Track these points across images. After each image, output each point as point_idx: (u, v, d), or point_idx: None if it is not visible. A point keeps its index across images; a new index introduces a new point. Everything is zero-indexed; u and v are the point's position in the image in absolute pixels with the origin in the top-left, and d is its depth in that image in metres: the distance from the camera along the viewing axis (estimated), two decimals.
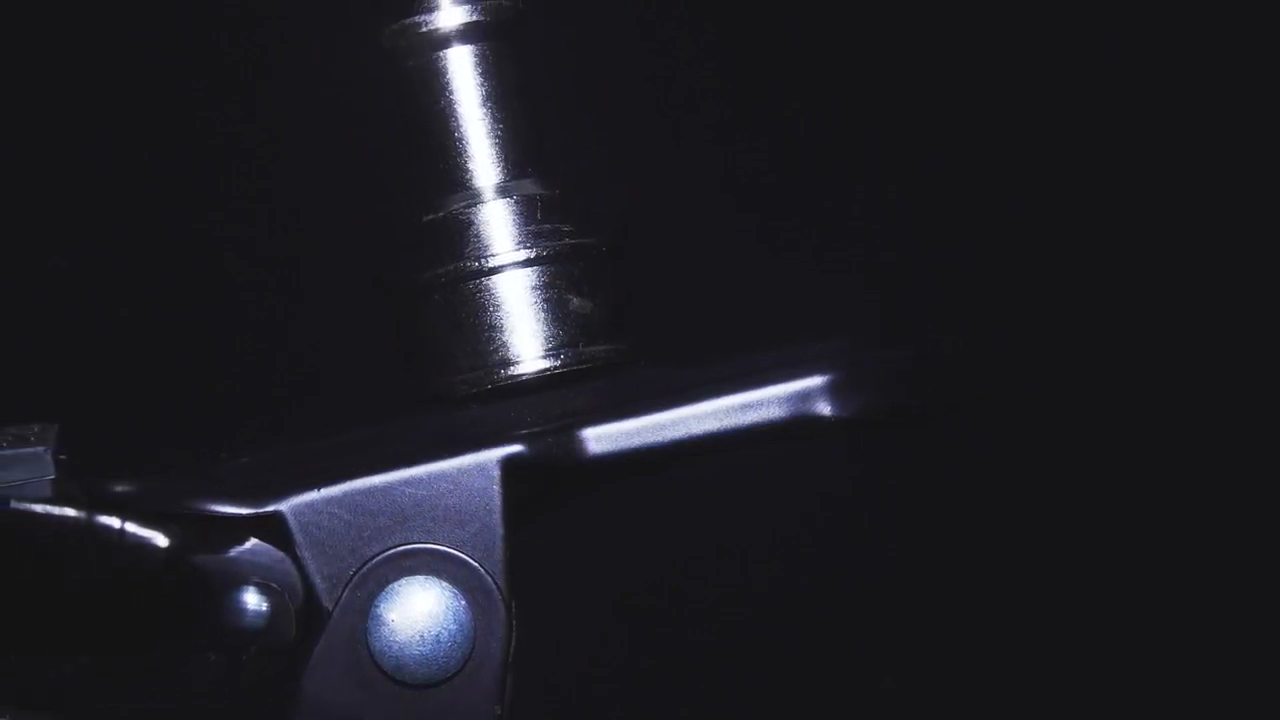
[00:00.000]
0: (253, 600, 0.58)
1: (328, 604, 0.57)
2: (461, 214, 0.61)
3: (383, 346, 0.86)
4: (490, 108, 0.61)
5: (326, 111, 0.95)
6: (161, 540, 0.57)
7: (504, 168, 0.61)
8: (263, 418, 0.96)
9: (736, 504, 0.97)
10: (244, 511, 0.57)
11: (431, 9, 0.60)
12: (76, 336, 0.97)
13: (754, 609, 1.01)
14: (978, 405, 0.70)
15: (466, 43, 0.61)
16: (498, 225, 0.61)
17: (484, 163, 0.61)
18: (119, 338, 0.98)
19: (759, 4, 0.99)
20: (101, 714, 0.56)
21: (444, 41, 0.61)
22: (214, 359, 0.99)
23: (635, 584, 1.01)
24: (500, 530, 0.57)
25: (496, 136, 0.61)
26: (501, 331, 0.61)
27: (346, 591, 0.57)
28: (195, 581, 0.57)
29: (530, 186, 0.62)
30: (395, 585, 0.57)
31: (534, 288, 0.61)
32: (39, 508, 0.55)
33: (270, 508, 0.57)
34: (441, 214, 0.61)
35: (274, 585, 0.58)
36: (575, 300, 0.61)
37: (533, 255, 0.61)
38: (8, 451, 0.55)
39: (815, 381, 0.58)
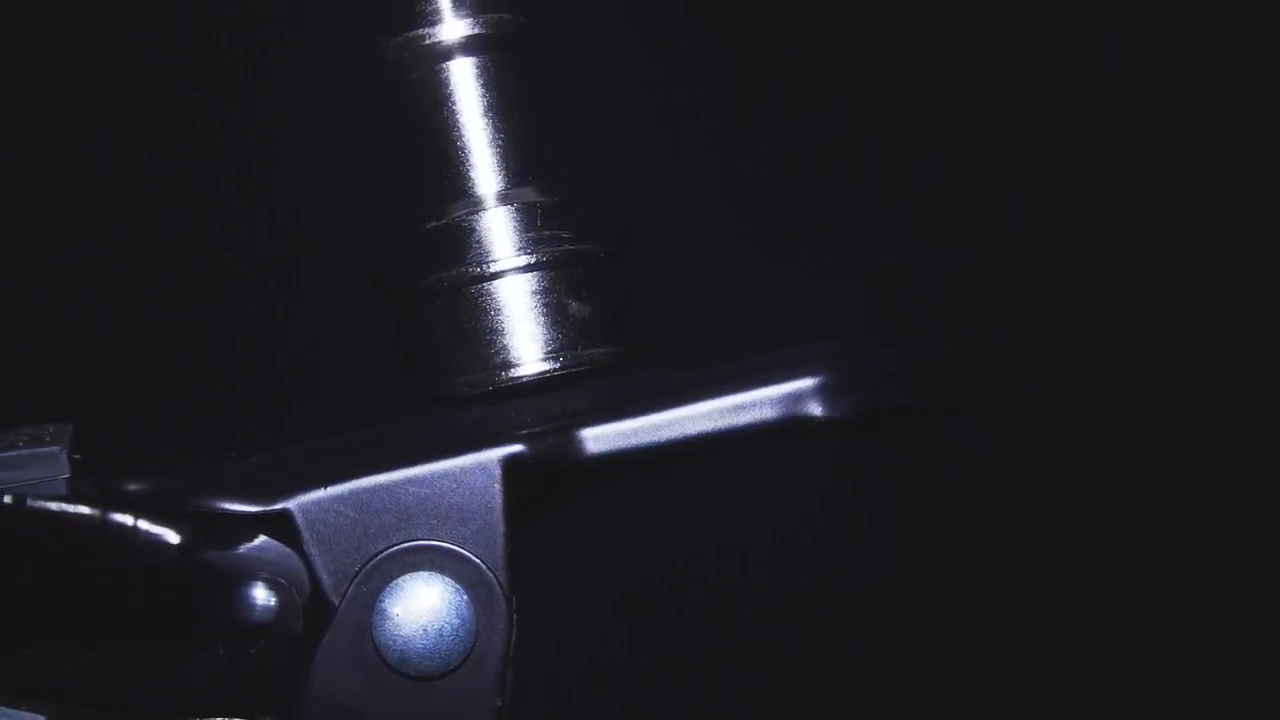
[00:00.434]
0: (261, 595, 0.59)
1: (334, 599, 0.59)
2: (464, 221, 0.63)
3: (382, 347, 0.87)
4: (491, 118, 0.63)
5: (326, 112, 0.96)
6: (173, 537, 0.58)
7: (505, 176, 0.63)
8: (263, 418, 0.97)
9: (736, 504, 0.98)
10: (253, 509, 0.59)
11: (435, 22, 0.62)
12: (76, 336, 0.98)
13: (754, 609, 1.02)
14: (977, 406, 0.71)
15: (469, 55, 0.62)
16: (499, 232, 0.63)
17: (485, 171, 0.63)
18: (119, 338, 0.99)
19: (760, 9, 1.00)
20: (115, 704, 0.58)
21: (447, 54, 0.62)
22: (214, 359, 1.00)
23: (635, 584, 1.02)
24: (501, 528, 0.59)
25: (498, 146, 0.63)
26: (502, 334, 0.63)
27: (352, 587, 0.59)
28: (206, 577, 0.59)
29: (530, 194, 0.63)
30: (399, 581, 0.59)
31: (534, 292, 0.62)
32: (55, 506, 0.57)
33: (278, 506, 0.59)
34: (444, 221, 0.63)
35: (282, 581, 0.60)
36: (574, 304, 0.63)
37: (533, 261, 0.62)
38: (24, 451, 0.57)
39: (807, 383, 0.60)
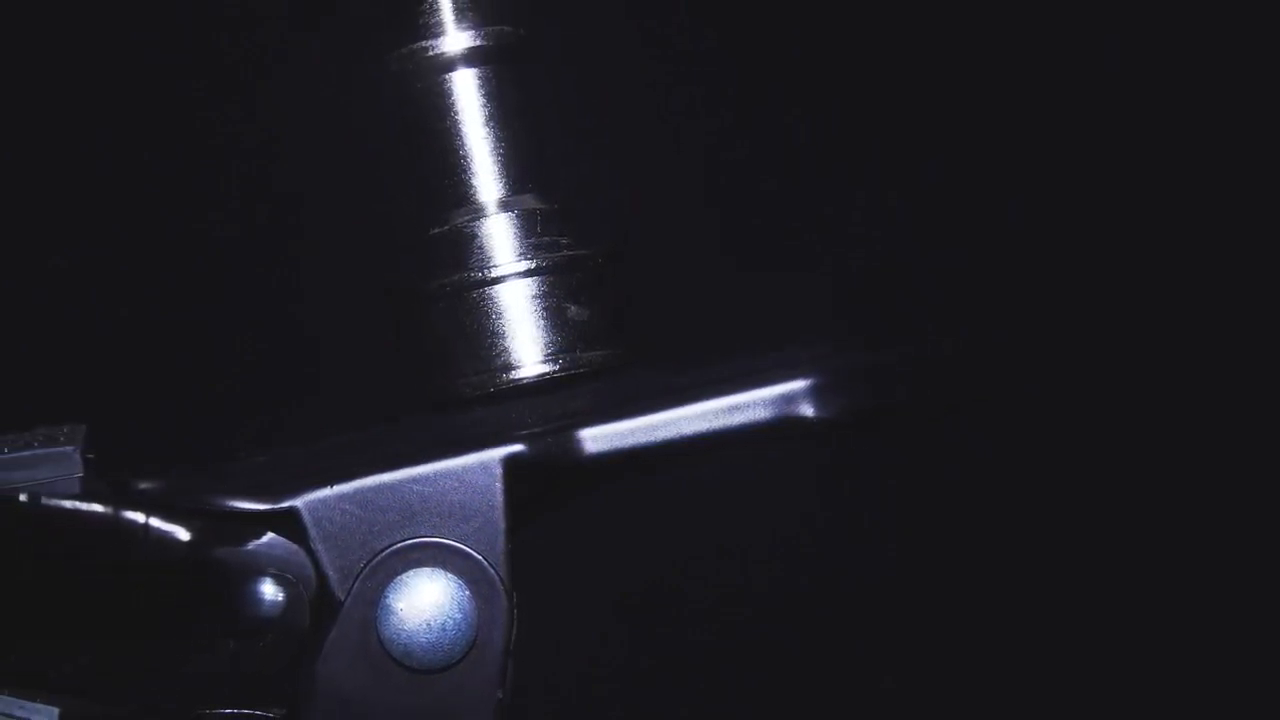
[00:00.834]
0: (269, 591, 0.61)
1: (340, 594, 0.61)
2: (466, 227, 0.65)
3: (382, 347, 0.88)
4: (493, 127, 0.65)
5: (327, 112, 0.97)
6: (183, 534, 0.60)
7: (506, 184, 0.65)
8: (263, 418, 0.98)
9: (736, 504, 0.99)
10: (261, 507, 0.61)
11: (439, 35, 0.65)
12: (76, 336, 1.00)
13: (754, 609, 1.03)
14: (977, 406, 0.74)
15: (471, 66, 0.65)
16: (500, 238, 0.65)
17: (487, 179, 0.65)
18: (119, 338, 1.00)
19: (760, 9, 1.01)
20: (128, 697, 0.60)
21: (449, 65, 0.65)
22: (214, 359, 1.01)
23: (635, 584, 1.03)
24: (502, 525, 0.61)
25: (499, 154, 0.65)
26: (503, 337, 0.65)
27: (357, 582, 0.61)
28: (215, 573, 0.61)
29: (530, 201, 0.66)
30: (403, 576, 0.61)
31: (534, 296, 0.65)
32: (68, 504, 0.59)
33: (286, 504, 0.61)
34: (447, 227, 0.66)
35: (289, 576, 0.61)
36: (573, 308, 0.65)
37: (533, 266, 0.65)
38: (39, 451, 0.59)
39: (799, 385, 0.62)
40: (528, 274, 0.65)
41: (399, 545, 0.61)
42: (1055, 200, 1.01)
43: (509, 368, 0.65)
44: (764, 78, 1.02)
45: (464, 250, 0.65)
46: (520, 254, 0.65)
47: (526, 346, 0.65)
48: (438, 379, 0.67)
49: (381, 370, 0.89)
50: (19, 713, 0.59)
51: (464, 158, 0.66)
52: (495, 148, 0.65)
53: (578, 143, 0.75)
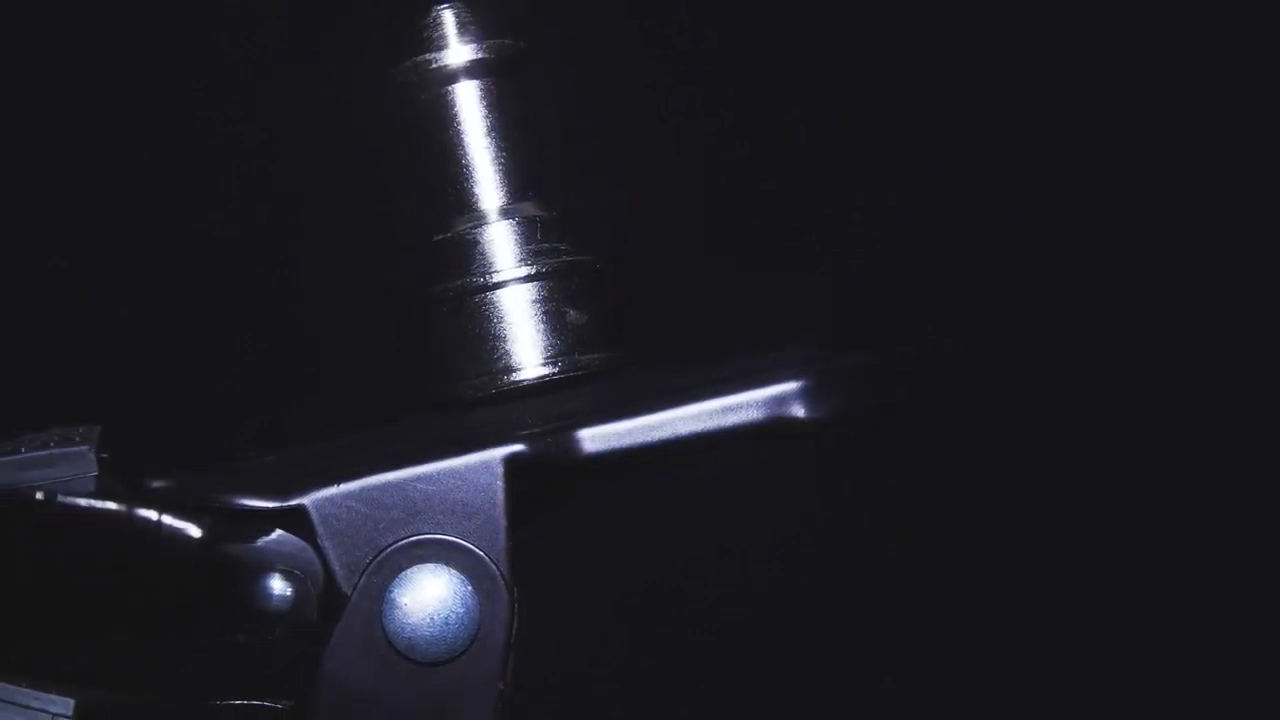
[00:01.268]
0: (278, 586, 0.63)
1: (346, 589, 0.63)
2: (468, 234, 0.68)
3: (382, 347, 0.88)
4: (494, 137, 0.68)
5: (327, 112, 0.98)
6: (195, 531, 0.62)
7: (507, 192, 0.68)
8: (263, 418, 1.00)
9: (736, 504, 1.00)
10: (270, 505, 0.63)
11: (442, 48, 0.67)
12: (76, 336, 1.01)
13: (754, 609, 1.05)
14: (977, 406, 0.74)
15: (473, 78, 0.68)
16: (501, 244, 0.67)
17: (488, 187, 0.68)
18: (119, 338, 1.02)
19: (760, 9, 1.02)
20: (141, 689, 0.63)
21: (452, 77, 0.68)
22: (214, 359, 1.02)
23: (635, 584, 1.04)
24: (504, 522, 0.63)
25: (500, 163, 0.68)
26: (504, 341, 0.67)
27: (363, 578, 0.63)
28: (226, 569, 0.63)
29: (531, 209, 0.68)
30: (408, 572, 0.63)
31: (534, 301, 0.67)
32: (83, 501, 0.61)
33: (294, 501, 0.63)
34: (450, 234, 0.68)
35: (297, 572, 0.63)
36: (572, 312, 0.67)
37: (533, 272, 0.67)
38: (55, 450, 0.62)
39: (790, 386, 0.64)
40: (528, 279, 0.67)
41: (403, 542, 0.63)
42: (1055, 200, 1.02)
43: (510, 370, 0.67)
44: (764, 78, 1.03)
45: (466, 256, 0.68)
46: (521, 260, 0.67)
47: (527, 349, 0.67)
48: (441, 381, 0.68)
49: (381, 370, 0.89)
50: (35, 703, 0.61)
51: (466, 167, 0.68)
52: (496, 157, 0.68)
53: (578, 147, 0.77)
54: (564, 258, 0.68)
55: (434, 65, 0.68)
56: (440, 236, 0.69)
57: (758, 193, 1.04)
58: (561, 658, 0.98)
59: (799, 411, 0.65)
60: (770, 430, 0.65)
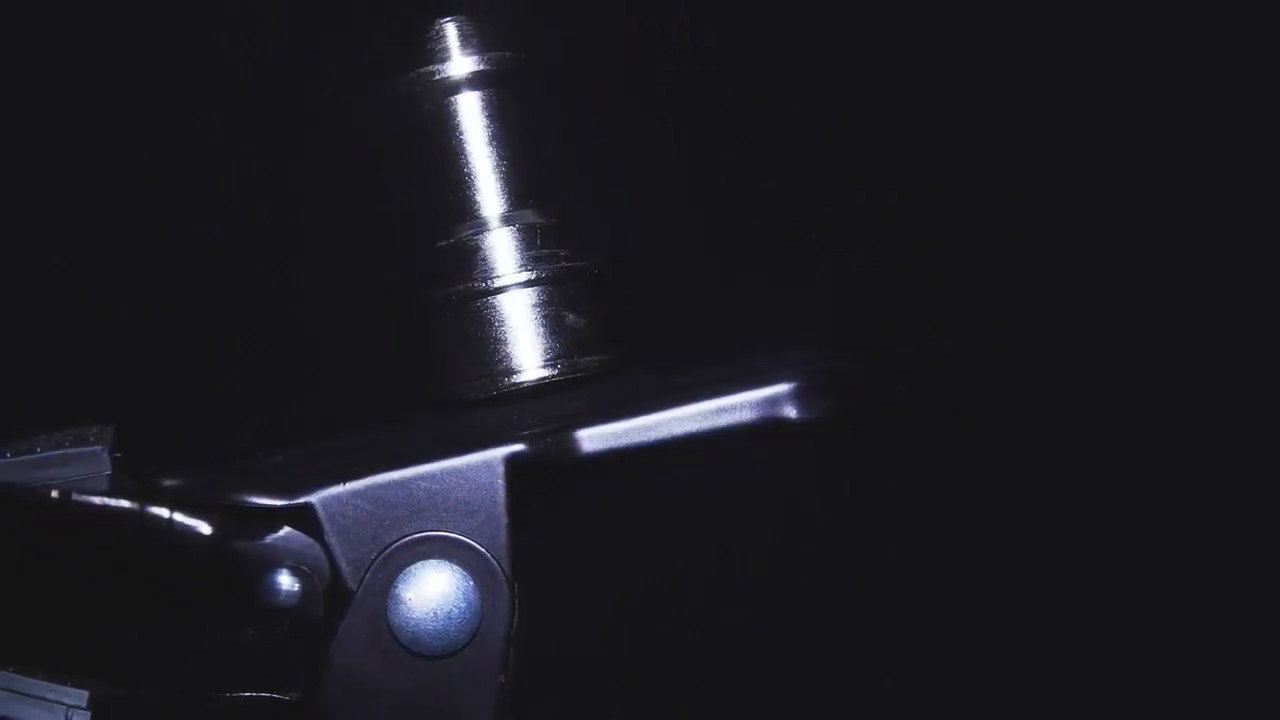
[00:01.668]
0: (286, 582, 0.66)
1: (352, 585, 0.66)
2: (470, 240, 0.72)
3: (382, 347, 0.95)
4: (495, 146, 0.71)
5: (327, 112, 1.00)
6: (205, 529, 0.66)
7: (507, 200, 0.72)
8: (263, 418, 1.01)
9: (737, 504, 1.02)
10: (278, 503, 0.67)
11: (445, 60, 0.71)
12: (76, 336, 1.03)
13: (754, 609, 1.06)
14: (977, 406, 0.77)
15: (475, 89, 0.71)
16: (502, 251, 0.71)
17: (490, 195, 0.72)
18: (119, 338, 1.03)
19: (760, 9, 1.04)
20: (154, 681, 0.66)
21: (454, 89, 0.71)
22: (214, 359, 1.04)
23: (635, 584, 1.05)
24: (504, 520, 0.67)
25: (501, 172, 0.72)
26: (505, 344, 0.71)
27: (369, 574, 0.66)
28: (235, 565, 0.66)
29: (531, 216, 0.72)
30: (412, 568, 0.66)
31: (534, 305, 0.71)
32: (97, 500, 0.65)
33: (301, 500, 0.66)
34: (452, 240, 0.72)
35: (305, 568, 0.67)
36: (570, 316, 0.71)
37: (533, 277, 0.71)
38: (70, 450, 0.65)
39: (782, 388, 0.68)
40: (528, 284, 0.71)
41: (407, 539, 0.67)
42: (1055, 200, 1.03)
43: (510, 372, 0.71)
44: (764, 78, 1.05)
45: (468, 262, 0.71)
46: (521, 265, 0.71)
47: (527, 352, 0.71)
48: (443, 382, 0.72)
49: (381, 370, 0.95)
50: (51, 695, 0.64)
51: (468, 175, 0.72)
52: (498, 166, 0.71)
53: (577, 153, 0.79)
54: (563, 263, 0.71)
55: (437, 77, 0.72)
56: (443, 242, 0.72)
57: (758, 193, 1.05)
58: (562, 657, 0.97)
59: (790, 412, 0.68)
60: (763, 431, 0.68)
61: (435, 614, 0.67)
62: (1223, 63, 1.03)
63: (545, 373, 0.72)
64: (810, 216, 1.05)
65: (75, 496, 0.65)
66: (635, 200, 1.01)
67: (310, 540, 0.67)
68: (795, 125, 1.06)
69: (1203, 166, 1.04)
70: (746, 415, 0.68)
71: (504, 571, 0.67)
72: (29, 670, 0.65)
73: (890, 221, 1.05)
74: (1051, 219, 1.04)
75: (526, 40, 0.73)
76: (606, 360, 0.73)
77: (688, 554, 1.07)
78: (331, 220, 1.04)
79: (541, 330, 0.71)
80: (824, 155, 1.05)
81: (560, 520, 0.76)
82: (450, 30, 0.72)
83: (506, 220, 0.72)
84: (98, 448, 0.66)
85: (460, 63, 0.72)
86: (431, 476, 0.67)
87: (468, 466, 0.67)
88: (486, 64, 0.72)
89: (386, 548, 0.67)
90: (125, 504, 0.65)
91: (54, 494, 0.65)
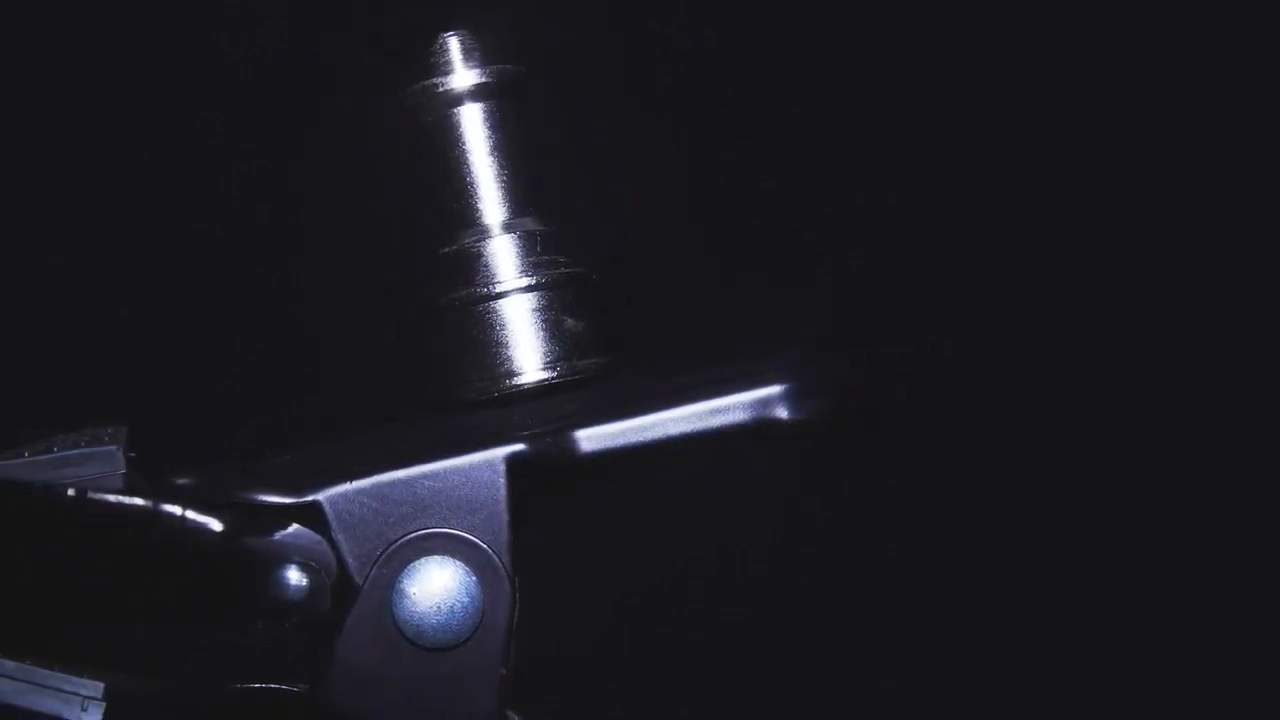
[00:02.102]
0: (294, 577, 0.69)
1: (358, 580, 0.69)
2: (472, 247, 0.75)
3: (382, 347, 0.99)
4: (497, 156, 0.75)
5: (327, 112, 1.04)
6: (217, 526, 0.67)
7: (509, 208, 0.75)
8: (263, 418, 1.04)
9: (736, 504, 1.04)
10: (287, 501, 0.69)
11: (448, 73, 0.75)
12: (76, 336, 1.05)
13: (754, 609, 1.09)
14: (977, 406, 0.79)
15: (477, 101, 0.75)
16: (503, 257, 0.74)
17: (491, 203, 0.75)
18: (119, 338, 1.06)
19: (760, 9, 1.07)
20: (167, 674, 0.69)
21: (457, 100, 0.75)
22: (214, 359, 1.07)
23: (635, 584, 1.08)
24: (506, 517, 0.69)
25: (502, 181, 0.75)
26: (506, 347, 0.74)
27: (374, 569, 0.68)
28: (246, 561, 0.68)
29: (531, 224, 0.75)
30: (416, 564, 0.68)
31: (534, 310, 0.74)
32: (112, 498, 0.67)
33: (309, 497, 0.69)
34: (455, 247, 0.75)
35: (313, 564, 0.69)
36: (570, 320, 0.74)
37: (533, 282, 0.74)
38: (86, 450, 0.68)
39: (775, 389, 0.71)
40: (528, 289, 0.74)
41: (412, 535, 0.69)
42: (1055, 200, 1.06)
43: (511, 374, 0.74)
44: (764, 78, 1.07)
45: (471, 268, 0.75)
46: (522, 271, 0.74)
47: (527, 355, 0.74)
48: (445, 384, 0.75)
49: (381, 371, 0.99)
50: (68, 686, 0.67)
51: (471, 184, 0.75)
52: (499, 175, 0.75)
53: (577, 154, 0.84)
54: (562, 269, 0.75)
55: (440, 89, 0.75)
56: (446, 249, 0.76)
57: (758, 193, 1.08)
58: (562, 657, 0.99)
59: (783, 413, 0.71)
60: (757, 431, 0.71)
61: (439, 608, 0.69)
62: (1223, 63, 1.06)
63: (545, 375, 0.74)
64: (810, 216, 1.08)
65: (91, 494, 0.67)
66: (635, 201, 1.04)
67: (318, 537, 0.69)
68: (795, 125, 1.09)
69: (1203, 166, 1.06)
70: (741, 416, 0.71)
71: (505, 567, 0.69)
72: (46, 662, 0.68)
73: (890, 221, 1.07)
74: (1051, 219, 1.06)
75: (527, 51, 0.76)
76: (605, 362, 0.75)
77: (688, 554, 1.09)
78: (332, 221, 1.07)
79: (541, 334, 0.74)
80: (824, 155, 1.08)
81: (561, 520, 0.77)
82: (453, 44, 0.75)
83: (507, 227, 0.75)
84: (113, 447, 0.69)
85: (463, 75, 0.75)
86: (435, 475, 0.70)
87: (470, 465, 0.70)
88: (488, 76, 0.75)
89: (391, 544, 0.69)
90: (139, 502, 0.67)
91: (70, 492, 0.67)
